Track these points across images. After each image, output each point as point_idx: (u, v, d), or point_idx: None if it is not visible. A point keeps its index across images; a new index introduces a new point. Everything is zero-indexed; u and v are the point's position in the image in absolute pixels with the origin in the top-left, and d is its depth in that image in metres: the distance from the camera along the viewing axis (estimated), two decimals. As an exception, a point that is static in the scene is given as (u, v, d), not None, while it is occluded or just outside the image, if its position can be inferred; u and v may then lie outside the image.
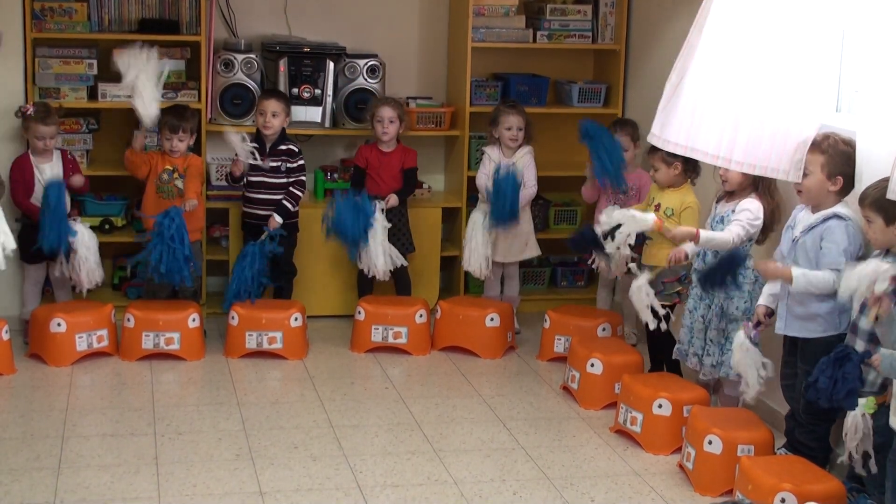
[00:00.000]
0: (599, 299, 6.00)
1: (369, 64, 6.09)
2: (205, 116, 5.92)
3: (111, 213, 6.02)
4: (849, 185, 4.12)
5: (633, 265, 4.81)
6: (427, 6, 6.46)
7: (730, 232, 4.49)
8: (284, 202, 5.69)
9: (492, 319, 5.60)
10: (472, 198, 6.12)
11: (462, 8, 6.14)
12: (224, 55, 5.96)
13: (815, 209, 4.17)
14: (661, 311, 4.67)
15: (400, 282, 5.94)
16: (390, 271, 5.72)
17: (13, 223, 5.50)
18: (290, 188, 5.71)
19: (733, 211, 4.56)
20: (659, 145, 4.54)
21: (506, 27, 6.22)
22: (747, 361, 4.28)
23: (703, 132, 4.35)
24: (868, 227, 3.88)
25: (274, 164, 5.70)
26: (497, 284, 6.03)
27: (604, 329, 5.49)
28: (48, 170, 5.42)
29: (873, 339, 3.76)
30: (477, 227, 5.75)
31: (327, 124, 6.15)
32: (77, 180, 5.49)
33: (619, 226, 4.63)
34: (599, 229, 4.74)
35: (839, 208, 4.11)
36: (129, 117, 5.95)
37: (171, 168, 5.52)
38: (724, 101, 4.31)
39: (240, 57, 5.96)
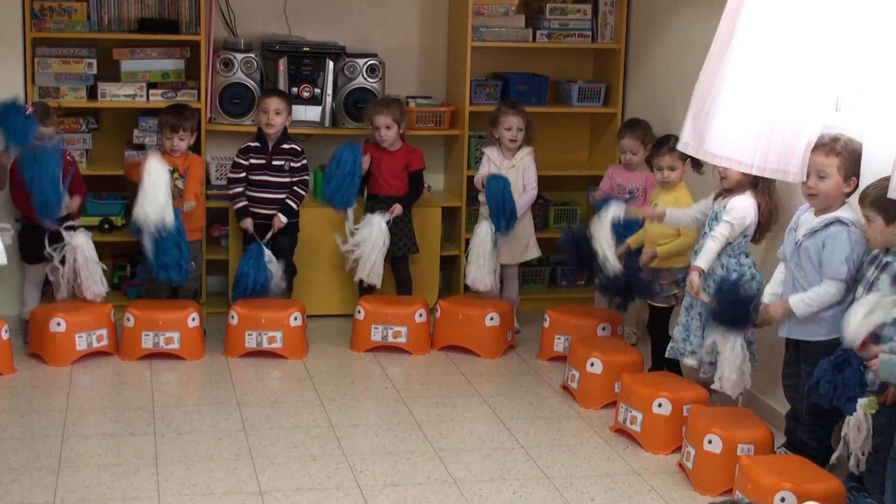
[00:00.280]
0: (597, 299, 5.99)
1: (369, 63, 6.09)
2: (204, 116, 5.92)
3: (111, 212, 6.02)
4: (858, 184, 4.12)
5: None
6: (427, 6, 6.46)
7: (713, 239, 4.52)
8: (288, 201, 5.69)
9: (491, 319, 5.60)
10: (472, 197, 6.12)
11: (462, 7, 6.14)
12: (224, 54, 5.96)
13: (820, 212, 4.16)
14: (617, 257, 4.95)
15: (401, 281, 5.94)
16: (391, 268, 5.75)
17: (13, 223, 5.51)
18: (294, 187, 5.71)
19: (724, 208, 4.56)
20: (699, 157, 4.51)
21: (505, 26, 6.22)
22: (733, 360, 4.29)
23: (740, 142, 4.31)
24: (868, 226, 3.88)
25: (277, 162, 5.70)
26: (498, 286, 6.02)
27: (603, 328, 5.49)
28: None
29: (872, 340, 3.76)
30: (483, 240, 5.70)
31: (327, 124, 6.15)
32: (76, 203, 5.43)
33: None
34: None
35: (842, 212, 4.10)
36: (129, 117, 5.97)
37: (171, 168, 5.51)
38: (756, 112, 4.28)
39: (239, 56, 5.96)
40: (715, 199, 4.71)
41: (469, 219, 6.18)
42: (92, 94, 5.87)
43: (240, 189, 5.74)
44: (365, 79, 6.09)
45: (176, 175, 5.50)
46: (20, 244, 5.49)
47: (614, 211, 5.00)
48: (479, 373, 5.40)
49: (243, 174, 5.74)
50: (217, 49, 6.01)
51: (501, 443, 4.57)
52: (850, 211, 4.10)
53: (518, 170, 5.79)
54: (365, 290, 5.91)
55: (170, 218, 5.21)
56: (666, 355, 4.89)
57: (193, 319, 5.40)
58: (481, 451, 4.48)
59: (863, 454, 3.74)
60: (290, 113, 5.75)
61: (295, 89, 6.03)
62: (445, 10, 6.44)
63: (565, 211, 6.46)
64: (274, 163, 5.70)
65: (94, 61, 5.81)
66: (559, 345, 5.54)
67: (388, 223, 5.73)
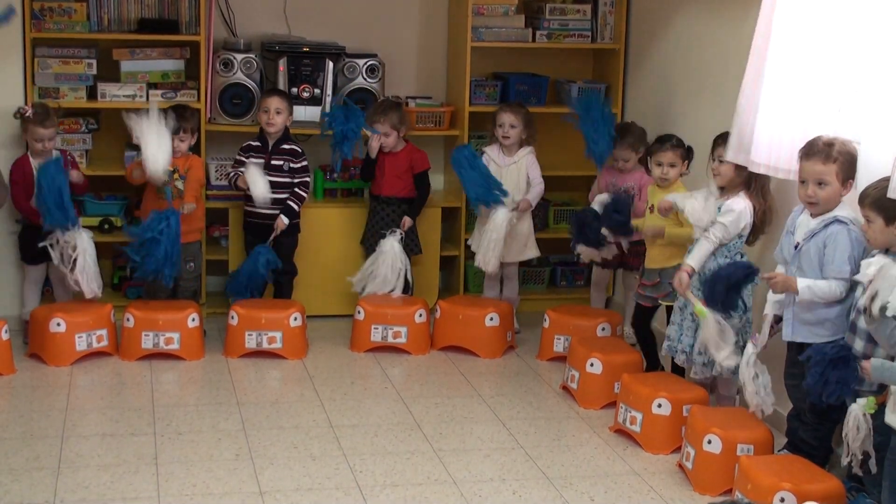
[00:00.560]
0: (593, 299, 5.99)
1: (369, 63, 6.09)
2: (204, 116, 5.92)
3: (111, 213, 6.02)
4: (854, 182, 4.12)
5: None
6: (427, 6, 6.46)
7: (707, 240, 4.53)
8: (290, 203, 5.70)
9: (491, 319, 5.60)
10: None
11: (461, 7, 6.14)
12: (223, 55, 5.96)
13: (817, 214, 4.16)
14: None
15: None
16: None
17: (13, 224, 5.52)
18: (295, 189, 5.71)
19: (720, 209, 4.56)
20: (748, 166, 4.48)
21: (505, 27, 6.23)
22: (753, 378, 4.29)
23: (784, 151, 4.31)
24: (867, 226, 3.87)
25: (276, 162, 5.70)
26: (496, 285, 6.03)
27: (603, 329, 5.49)
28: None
29: (872, 339, 3.76)
30: (498, 226, 5.66)
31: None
32: (76, 175, 5.47)
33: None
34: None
35: (840, 211, 4.10)
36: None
37: (171, 169, 5.51)
38: (794, 119, 4.28)
39: (239, 56, 5.96)
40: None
41: (469, 219, 6.17)
42: (92, 94, 5.87)
43: (235, 172, 5.76)
44: (365, 79, 6.09)
45: (176, 176, 5.50)
46: (20, 244, 5.49)
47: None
48: (478, 373, 5.40)
49: (242, 170, 5.75)
50: (217, 49, 6.01)
51: (501, 443, 4.57)
52: (848, 209, 4.11)
53: (519, 167, 5.79)
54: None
55: (165, 165, 5.30)
56: (661, 353, 4.89)
57: (193, 320, 5.41)
58: (481, 452, 4.48)
59: (862, 454, 3.74)
60: (291, 113, 5.74)
61: (295, 89, 6.03)
62: (445, 11, 6.44)
63: (565, 211, 6.46)
64: (273, 162, 5.70)
65: (94, 62, 5.81)
66: (559, 345, 5.54)
67: (401, 240, 5.76)
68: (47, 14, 5.72)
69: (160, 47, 5.93)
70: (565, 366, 5.19)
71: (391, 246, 5.73)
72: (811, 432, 4.23)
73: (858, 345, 3.84)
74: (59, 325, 5.23)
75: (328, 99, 6.09)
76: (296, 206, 5.72)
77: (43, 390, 4.98)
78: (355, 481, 4.15)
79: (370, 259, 5.79)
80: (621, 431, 4.67)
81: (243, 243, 5.87)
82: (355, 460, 4.33)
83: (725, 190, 4.61)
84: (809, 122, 4.27)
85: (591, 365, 4.97)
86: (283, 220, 5.68)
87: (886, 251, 3.84)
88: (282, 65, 6.04)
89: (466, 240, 6.09)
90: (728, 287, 4.38)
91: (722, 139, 4.63)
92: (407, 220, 5.84)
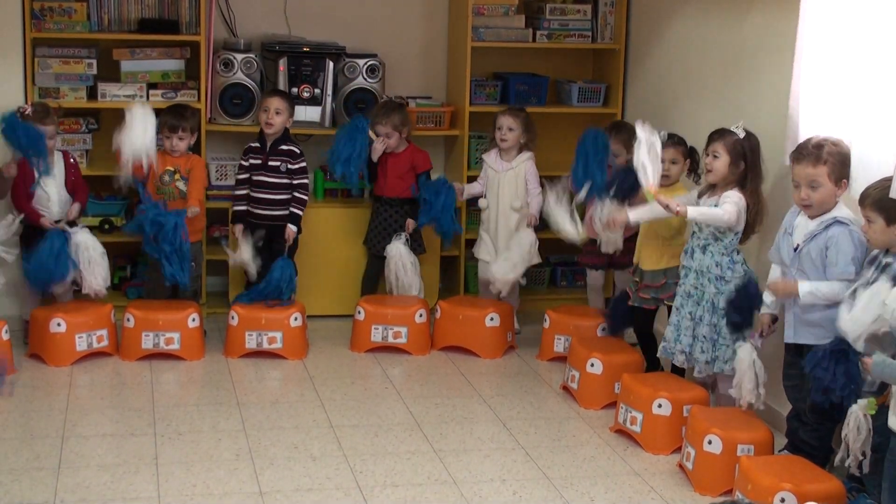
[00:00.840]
0: (590, 300, 5.98)
1: (369, 63, 6.09)
2: (204, 116, 5.92)
3: (111, 212, 6.02)
4: (849, 181, 4.12)
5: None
6: (427, 6, 6.46)
7: (724, 210, 4.50)
8: (293, 210, 5.70)
9: (492, 319, 5.60)
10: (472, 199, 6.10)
11: (462, 7, 6.14)
12: (224, 55, 5.96)
13: (815, 215, 4.16)
14: (578, 224, 5.08)
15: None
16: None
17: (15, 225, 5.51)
18: (296, 193, 5.70)
19: (715, 205, 4.56)
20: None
21: (505, 27, 6.23)
22: (750, 376, 4.29)
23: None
24: (868, 227, 3.87)
25: (273, 163, 5.70)
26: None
27: (603, 329, 5.49)
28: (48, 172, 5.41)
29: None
30: (525, 246, 5.63)
31: (327, 124, 6.15)
32: (76, 210, 5.45)
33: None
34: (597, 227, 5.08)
35: (838, 211, 4.10)
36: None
37: (171, 169, 5.51)
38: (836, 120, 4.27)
39: (239, 56, 5.96)
40: (699, 197, 4.71)
41: (469, 219, 6.17)
42: (92, 94, 5.87)
43: (243, 192, 5.74)
44: (365, 79, 6.09)
45: (177, 176, 5.50)
46: (20, 245, 5.48)
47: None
48: (479, 373, 5.40)
49: (246, 175, 5.75)
50: (217, 49, 6.01)
51: (501, 443, 4.57)
52: (845, 209, 4.11)
53: (517, 173, 5.78)
54: (368, 289, 5.92)
55: (151, 154, 5.24)
56: (657, 354, 4.89)
57: (193, 320, 5.40)
58: (481, 452, 4.48)
59: (863, 455, 3.73)
60: (291, 114, 5.74)
61: (295, 90, 6.03)
62: (445, 11, 6.44)
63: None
64: (270, 163, 5.70)
65: (94, 62, 5.81)
66: (559, 345, 5.54)
67: (406, 242, 5.77)
68: (47, 14, 5.72)
69: (160, 47, 5.93)
70: (566, 366, 5.19)
71: (397, 250, 5.75)
72: (811, 433, 4.23)
73: (860, 346, 3.84)
74: (59, 325, 5.23)
75: (328, 99, 6.09)
76: (299, 212, 5.72)
77: (43, 390, 4.98)
78: (355, 481, 4.15)
79: (385, 268, 5.81)
80: (622, 432, 4.67)
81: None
82: (355, 460, 4.33)
83: (718, 187, 4.61)
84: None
85: (592, 365, 4.96)
86: (292, 229, 5.70)
87: (887, 251, 3.84)
88: (282, 65, 6.03)
89: (467, 240, 6.09)
90: (743, 314, 4.41)
91: (718, 135, 4.61)
92: (410, 223, 5.85)
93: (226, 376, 5.23)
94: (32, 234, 5.37)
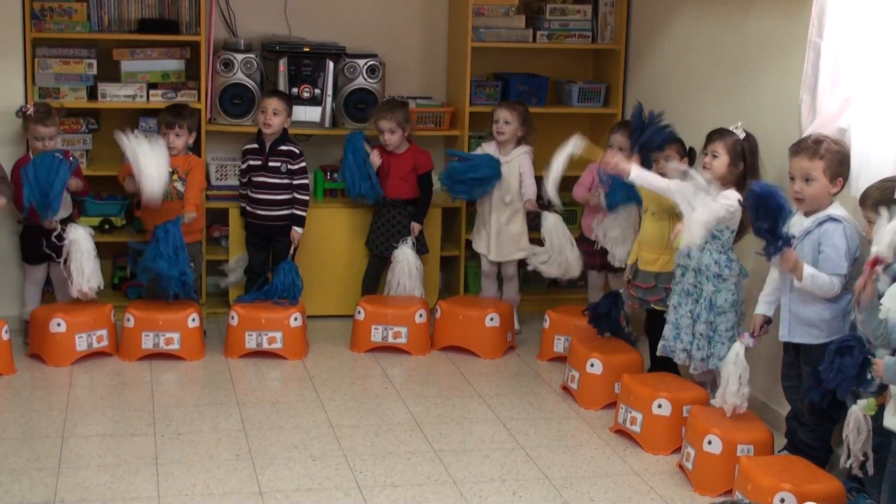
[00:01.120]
0: (591, 299, 5.98)
1: (369, 64, 6.09)
2: (204, 116, 5.92)
3: (111, 213, 6.02)
4: (845, 184, 4.13)
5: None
6: (427, 6, 6.46)
7: (716, 204, 4.46)
8: (296, 212, 5.72)
9: (491, 319, 5.60)
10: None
11: (462, 8, 6.14)
12: (224, 55, 5.96)
13: (809, 213, 4.17)
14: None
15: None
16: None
17: (15, 224, 5.51)
18: (296, 194, 5.71)
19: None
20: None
21: (506, 27, 6.23)
22: (734, 378, 4.27)
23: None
24: (870, 227, 3.86)
25: (273, 163, 5.70)
26: (493, 284, 6.03)
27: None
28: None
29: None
30: (557, 230, 5.61)
31: (327, 124, 6.15)
32: (76, 183, 5.45)
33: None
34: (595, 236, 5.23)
35: (833, 210, 4.11)
36: (129, 117, 5.97)
37: (170, 170, 5.49)
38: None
39: (239, 57, 5.96)
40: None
41: (469, 220, 6.17)
42: (92, 94, 5.87)
43: (242, 193, 5.79)
44: (365, 79, 6.09)
45: (175, 177, 5.49)
46: (21, 244, 5.49)
47: (574, 146, 5.08)
48: (479, 373, 5.40)
49: (245, 178, 5.77)
50: (217, 49, 6.01)
51: (501, 443, 4.57)
52: (840, 208, 4.11)
53: (512, 166, 5.78)
54: (369, 289, 5.93)
55: (163, 184, 5.24)
56: (657, 353, 4.89)
57: (193, 320, 5.41)
58: (481, 452, 4.48)
59: (864, 456, 3.73)
60: (289, 115, 5.74)
61: (295, 90, 6.03)
62: (445, 11, 6.44)
63: (565, 212, 6.44)
64: (270, 164, 5.70)
65: (95, 62, 5.81)
66: (559, 345, 5.54)
67: (413, 246, 5.79)
68: (48, 14, 5.72)
69: (160, 47, 5.93)
70: (565, 366, 5.19)
71: (405, 255, 5.76)
72: (810, 433, 4.23)
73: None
74: (59, 325, 5.23)
75: (328, 99, 6.09)
76: (302, 214, 5.73)
77: (43, 390, 4.98)
78: (355, 482, 4.15)
79: (389, 272, 5.83)
80: (621, 432, 4.67)
81: (243, 244, 5.87)
82: (355, 460, 4.33)
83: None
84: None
85: (592, 365, 4.96)
86: (298, 231, 5.72)
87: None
88: (282, 65, 6.03)
89: (467, 240, 6.09)
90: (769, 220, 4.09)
91: (717, 134, 4.62)
92: (416, 226, 5.86)
93: (226, 376, 5.23)
94: (33, 234, 5.37)
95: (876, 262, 3.58)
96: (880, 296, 3.56)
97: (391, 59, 6.28)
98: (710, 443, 4.14)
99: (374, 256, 5.98)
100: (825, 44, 4.26)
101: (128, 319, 5.37)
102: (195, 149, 5.78)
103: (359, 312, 5.62)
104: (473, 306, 5.71)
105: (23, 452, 4.30)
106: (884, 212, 3.62)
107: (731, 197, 4.54)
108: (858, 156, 4.12)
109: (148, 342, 5.36)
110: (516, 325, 5.88)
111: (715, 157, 4.57)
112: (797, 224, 4.19)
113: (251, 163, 5.72)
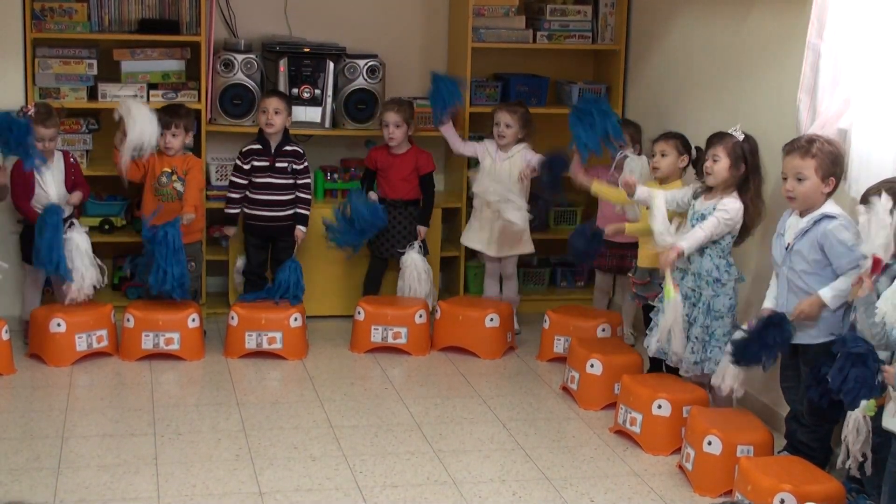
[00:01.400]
0: (596, 300, 6.00)
1: (369, 64, 6.09)
2: (205, 116, 5.92)
3: (111, 213, 6.02)
4: (838, 184, 4.13)
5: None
6: (427, 6, 6.47)
7: (701, 230, 4.54)
8: (301, 211, 5.73)
9: (491, 320, 5.60)
10: (472, 198, 6.09)
11: (462, 8, 6.15)
12: (224, 55, 5.96)
13: (804, 213, 4.17)
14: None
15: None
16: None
17: (14, 224, 5.51)
18: (300, 194, 5.72)
19: (714, 208, 4.56)
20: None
21: (506, 27, 6.23)
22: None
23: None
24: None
25: (281, 164, 5.70)
26: (496, 284, 6.03)
27: (603, 329, 5.49)
28: (49, 172, 5.41)
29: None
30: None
31: (327, 125, 6.15)
32: (76, 197, 5.45)
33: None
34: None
35: (827, 208, 4.11)
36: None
37: (169, 170, 5.50)
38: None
39: (240, 57, 5.96)
40: (695, 196, 4.71)
41: (469, 220, 6.16)
42: (92, 94, 5.87)
43: (236, 196, 5.72)
44: (365, 80, 6.09)
45: (175, 178, 5.49)
46: (21, 245, 5.49)
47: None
48: (478, 374, 5.40)
49: (246, 181, 5.72)
50: (217, 50, 6.01)
51: (501, 444, 4.57)
52: (835, 206, 4.12)
53: (513, 163, 5.78)
54: (370, 290, 5.93)
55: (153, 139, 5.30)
56: (650, 354, 4.89)
57: (193, 320, 5.41)
58: (481, 452, 4.48)
59: (863, 457, 3.73)
60: (289, 113, 5.74)
61: (295, 90, 6.03)
62: (446, 11, 6.44)
63: (565, 212, 6.46)
64: (277, 164, 5.70)
65: (95, 62, 5.81)
66: (559, 346, 5.54)
67: (420, 250, 5.81)
68: (48, 14, 5.72)
69: (161, 48, 5.93)
70: (565, 366, 5.19)
71: (412, 260, 5.78)
72: (810, 434, 4.23)
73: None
74: (59, 325, 5.23)
75: (329, 100, 6.09)
76: (306, 213, 5.74)
77: (43, 390, 4.98)
78: (355, 482, 4.15)
79: (399, 277, 5.84)
80: (621, 432, 4.67)
81: (244, 244, 5.87)
82: (355, 461, 4.34)
83: (717, 190, 4.61)
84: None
85: (591, 366, 4.97)
86: (302, 230, 5.74)
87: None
88: (282, 65, 6.04)
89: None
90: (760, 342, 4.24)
91: (717, 138, 4.62)
92: (422, 230, 5.87)
93: (226, 377, 5.23)
94: (33, 234, 5.36)
95: (876, 264, 3.59)
96: (878, 295, 3.56)
97: (391, 60, 6.28)
98: (709, 443, 4.14)
99: (375, 257, 5.98)
100: (825, 45, 4.27)
101: (128, 319, 5.37)
102: (195, 149, 5.77)
103: (359, 313, 5.62)
104: (473, 307, 5.71)
105: (23, 452, 4.30)
106: (868, 207, 3.63)
107: (731, 208, 4.53)
108: (858, 156, 4.12)
109: (148, 342, 5.36)
110: (516, 326, 5.89)
111: (716, 160, 4.58)
112: (793, 226, 4.19)
113: (256, 164, 5.71)
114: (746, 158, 4.56)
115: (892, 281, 3.67)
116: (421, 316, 5.61)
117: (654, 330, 4.77)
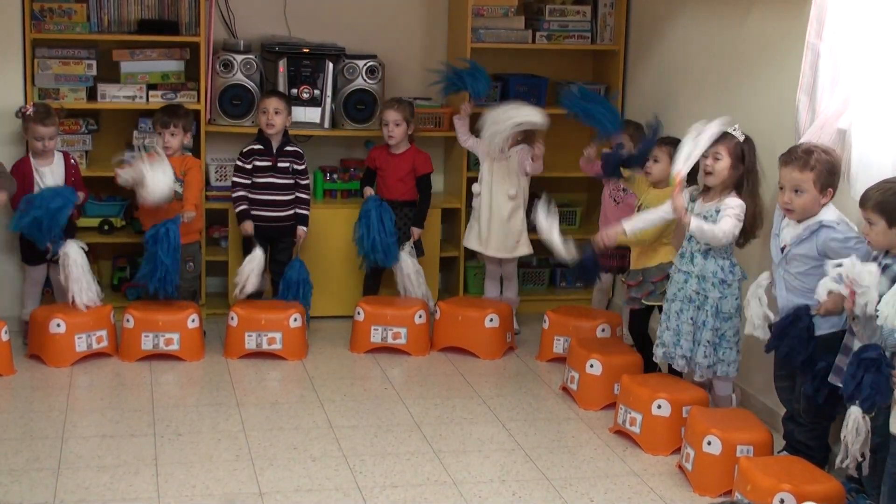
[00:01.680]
0: (595, 300, 6.00)
1: (369, 64, 6.09)
2: (204, 117, 5.92)
3: (110, 213, 6.02)
4: (835, 193, 4.13)
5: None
6: (427, 6, 6.47)
7: (720, 228, 4.50)
8: (302, 211, 5.74)
9: (491, 320, 5.60)
10: (472, 198, 6.09)
11: (461, 8, 6.15)
12: (223, 56, 5.96)
13: (800, 220, 4.17)
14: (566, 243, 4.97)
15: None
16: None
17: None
18: (300, 194, 5.73)
19: (717, 210, 4.55)
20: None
21: (505, 28, 6.23)
22: (759, 310, 4.25)
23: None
24: (869, 229, 3.84)
25: (282, 164, 5.70)
26: (497, 285, 6.03)
27: (603, 330, 5.49)
28: (49, 173, 5.41)
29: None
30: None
31: (326, 125, 6.15)
32: (79, 196, 5.47)
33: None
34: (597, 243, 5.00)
35: (823, 215, 4.11)
36: (129, 118, 5.97)
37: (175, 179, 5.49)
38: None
39: (239, 58, 5.96)
40: (693, 200, 4.71)
41: (469, 220, 6.16)
42: (92, 95, 5.87)
43: (242, 193, 5.72)
44: (365, 80, 6.09)
45: (174, 179, 5.48)
46: (20, 246, 5.49)
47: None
48: (478, 374, 5.40)
49: (249, 181, 5.72)
50: (217, 50, 6.01)
51: (501, 444, 4.58)
52: (831, 211, 4.12)
53: (510, 163, 5.78)
54: (370, 290, 5.93)
55: (171, 188, 5.30)
56: (655, 359, 4.87)
57: (193, 320, 5.41)
58: (481, 453, 4.48)
59: (862, 456, 3.73)
60: (289, 113, 5.74)
61: (294, 91, 6.03)
62: (445, 12, 6.45)
63: (565, 212, 6.46)
64: (280, 165, 5.70)
65: (94, 62, 5.81)
66: (559, 346, 5.54)
67: (411, 251, 5.81)
68: (47, 15, 5.72)
69: (160, 48, 5.93)
70: (565, 367, 5.20)
71: (402, 260, 5.78)
72: (808, 433, 4.23)
73: (857, 346, 3.83)
74: (58, 325, 5.23)
75: (328, 100, 6.10)
76: (307, 213, 5.74)
77: (43, 391, 4.98)
78: (355, 482, 4.15)
79: (396, 281, 5.84)
80: (621, 432, 4.67)
81: (242, 245, 5.87)
82: (355, 461, 4.34)
83: (715, 191, 4.61)
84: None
85: (591, 366, 4.97)
86: (304, 230, 5.74)
87: (886, 253, 3.84)
88: (282, 66, 6.04)
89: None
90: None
91: (720, 137, 4.62)
92: (416, 231, 5.87)
93: (225, 377, 5.23)
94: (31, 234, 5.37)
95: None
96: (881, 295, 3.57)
97: (391, 60, 6.28)
98: (709, 443, 4.15)
99: (374, 258, 5.98)
100: (824, 45, 4.27)
101: (127, 320, 5.37)
102: (195, 150, 5.77)
103: (358, 313, 5.62)
104: (473, 307, 5.71)
105: (22, 453, 4.30)
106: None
107: (737, 205, 4.51)
108: (858, 157, 4.12)
109: (147, 343, 5.36)
110: (516, 326, 5.89)
111: (717, 159, 4.57)
112: (789, 230, 4.20)
113: (258, 163, 5.71)
114: (745, 159, 4.56)
115: (893, 283, 3.68)
116: (420, 316, 5.61)
117: (661, 338, 4.74)
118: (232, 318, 5.47)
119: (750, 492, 3.85)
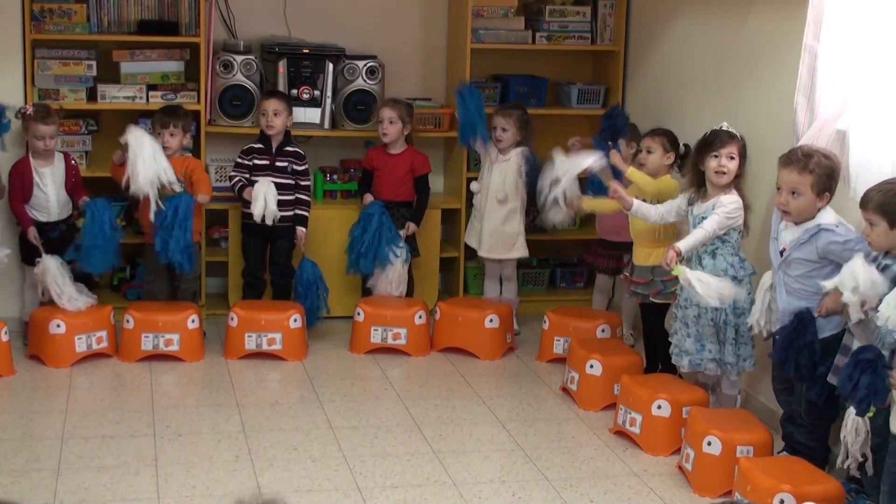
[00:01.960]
0: (595, 301, 6.00)
1: (369, 65, 6.09)
2: (204, 118, 5.92)
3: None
4: (832, 197, 4.13)
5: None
6: (426, 7, 6.47)
7: (702, 229, 4.53)
8: (301, 212, 5.74)
9: (491, 321, 5.60)
10: (472, 198, 6.09)
11: (461, 9, 6.15)
12: (223, 56, 5.96)
13: (798, 222, 4.18)
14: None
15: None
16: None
17: (14, 226, 5.51)
18: (300, 195, 5.73)
19: (713, 207, 4.57)
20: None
21: (505, 28, 6.23)
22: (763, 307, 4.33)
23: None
24: (870, 230, 3.83)
25: (281, 164, 5.70)
26: (497, 286, 6.03)
27: (603, 330, 5.49)
28: (49, 173, 5.42)
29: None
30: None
31: (326, 125, 6.15)
32: (83, 200, 5.48)
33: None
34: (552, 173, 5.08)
35: (821, 218, 4.11)
36: (129, 119, 5.96)
37: (173, 177, 5.48)
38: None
39: (239, 58, 5.96)
40: (690, 203, 4.71)
41: (469, 220, 6.16)
42: (92, 95, 5.87)
43: (239, 178, 5.73)
44: (364, 80, 6.09)
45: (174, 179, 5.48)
46: (20, 246, 5.49)
47: (594, 162, 5.06)
48: (478, 374, 5.40)
49: (247, 175, 5.73)
50: (217, 51, 6.01)
51: (501, 444, 4.58)
52: (828, 215, 4.12)
53: (510, 165, 5.79)
54: (367, 291, 5.93)
55: (168, 175, 5.24)
56: (681, 370, 4.83)
57: (193, 321, 5.41)
58: (481, 453, 4.48)
59: (863, 457, 3.73)
60: (290, 114, 5.74)
61: (294, 91, 6.03)
62: (445, 12, 6.45)
63: (565, 213, 6.45)
64: (277, 164, 5.70)
65: (94, 63, 5.81)
66: (558, 346, 5.54)
67: (406, 254, 5.80)
68: (47, 15, 5.72)
69: (160, 49, 5.93)
70: (565, 367, 5.20)
71: (395, 263, 5.76)
72: (808, 433, 4.23)
73: (855, 345, 3.83)
74: (58, 326, 5.23)
75: (328, 100, 6.10)
76: (307, 214, 5.74)
77: (42, 392, 4.98)
78: (355, 483, 4.15)
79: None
80: (621, 433, 4.67)
81: (242, 245, 5.87)
82: (355, 462, 4.34)
83: (713, 191, 4.61)
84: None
85: (591, 366, 4.97)
86: (303, 230, 5.74)
87: (886, 253, 3.83)
88: (282, 66, 6.04)
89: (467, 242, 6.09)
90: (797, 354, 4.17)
91: (729, 137, 4.62)
92: (411, 226, 5.86)
93: (225, 378, 5.23)
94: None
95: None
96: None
97: (391, 61, 6.28)
98: (709, 444, 4.15)
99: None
100: (822, 46, 4.27)
101: (127, 321, 5.37)
102: (195, 151, 5.77)
103: (358, 314, 5.62)
104: (473, 307, 5.71)
105: (22, 454, 4.30)
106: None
107: (728, 202, 4.53)
108: (857, 159, 4.11)
109: (147, 343, 5.36)
110: (515, 327, 5.89)
111: (731, 158, 4.58)
112: (788, 233, 4.20)
113: (257, 161, 5.71)
114: (743, 157, 4.60)
115: (894, 284, 3.68)
116: (420, 317, 5.61)
117: (682, 347, 4.73)
118: (232, 319, 5.47)
119: (750, 492, 3.85)
